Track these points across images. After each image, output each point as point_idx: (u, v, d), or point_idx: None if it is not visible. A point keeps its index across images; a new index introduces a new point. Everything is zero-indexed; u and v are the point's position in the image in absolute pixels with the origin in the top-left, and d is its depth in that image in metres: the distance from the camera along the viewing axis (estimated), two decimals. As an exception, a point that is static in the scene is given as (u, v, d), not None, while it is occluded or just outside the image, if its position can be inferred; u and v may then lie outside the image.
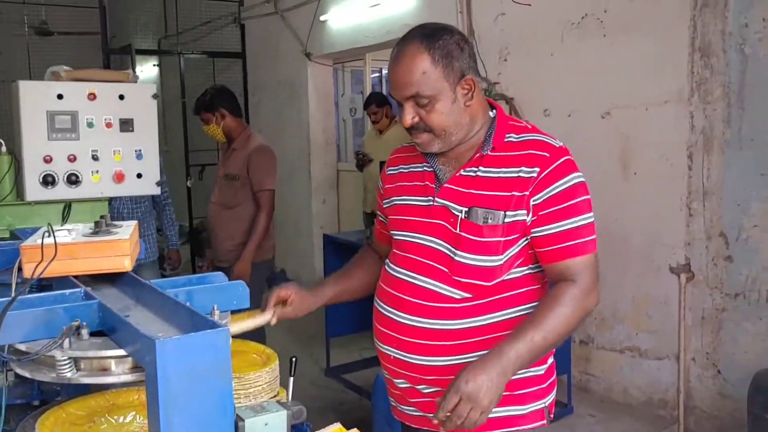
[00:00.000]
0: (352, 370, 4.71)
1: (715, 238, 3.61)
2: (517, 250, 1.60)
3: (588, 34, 4.12)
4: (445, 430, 1.45)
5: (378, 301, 1.78)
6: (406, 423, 1.81)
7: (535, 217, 1.57)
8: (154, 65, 10.02)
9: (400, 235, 1.74)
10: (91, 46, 8.58)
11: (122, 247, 1.36)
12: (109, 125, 2.81)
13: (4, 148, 2.79)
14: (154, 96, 2.92)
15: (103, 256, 1.35)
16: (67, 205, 2.51)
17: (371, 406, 3.33)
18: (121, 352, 1.07)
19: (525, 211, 1.57)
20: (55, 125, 2.71)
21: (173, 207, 4.76)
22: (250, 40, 7.84)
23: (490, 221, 1.58)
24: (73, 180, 2.70)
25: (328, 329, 4.72)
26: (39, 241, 1.31)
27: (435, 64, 1.54)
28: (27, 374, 1.10)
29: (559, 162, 1.58)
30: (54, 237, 1.31)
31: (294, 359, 1.81)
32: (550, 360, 1.74)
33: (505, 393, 1.57)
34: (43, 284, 1.52)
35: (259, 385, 1.72)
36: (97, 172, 2.78)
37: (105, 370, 1.09)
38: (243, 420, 1.49)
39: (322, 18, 6.42)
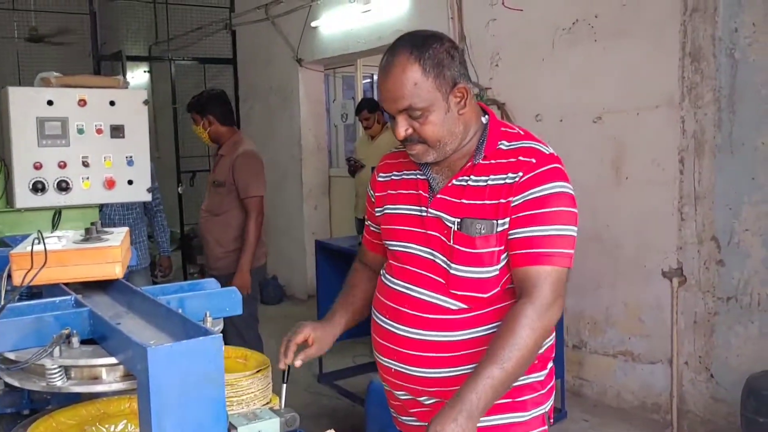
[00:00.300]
0: (345, 377, 4.68)
1: (707, 242, 3.62)
2: (507, 259, 1.57)
3: (579, 39, 4.13)
4: None
5: (376, 313, 1.75)
6: None
7: (510, 219, 1.54)
8: (144, 71, 9.99)
9: (395, 246, 1.71)
10: (82, 52, 8.55)
11: (113, 254, 1.35)
12: (99, 132, 2.79)
13: (-7, 155, 2.77)
14: (145, 102, 2.91)
15: (93, 263, 1.34)
16: (57, 212, 2.49)
17: (364, 413, 3.32)
18: (112, 360, 1.06)
19: (509, 218, 1.55)
20: (45, 131, 2.69)
21: (165, 213, 4.74)
22: (241, 46, 7.83)
23: (483, 231, 1.55)
24: (63, 187, 2.68)
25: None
26: (29, 249, 1.30)
27: (426, 75, 1.51)
28: (16, 383, 1.08)
29: (543, 168, 1.55)
30: (44, 244, 1.30)
31: (287, 366, 1.80)
32: (550, 365, 1.72)
33: (506, 400, 1.58)
34: (34, 292, 1.51)
35: (252, 392, 1.70)
36: (88, 178, 2.76)
37: (96, 379, 1.07)
38: (236, 428, 1.47)
39: (313, 24, 6.42)
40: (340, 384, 4.58)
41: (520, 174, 1.54)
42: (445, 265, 1.60)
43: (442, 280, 1.60)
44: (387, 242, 1.76)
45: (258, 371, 1.71)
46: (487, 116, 1.68)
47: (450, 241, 1.59)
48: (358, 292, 1.88)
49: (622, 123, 3.96)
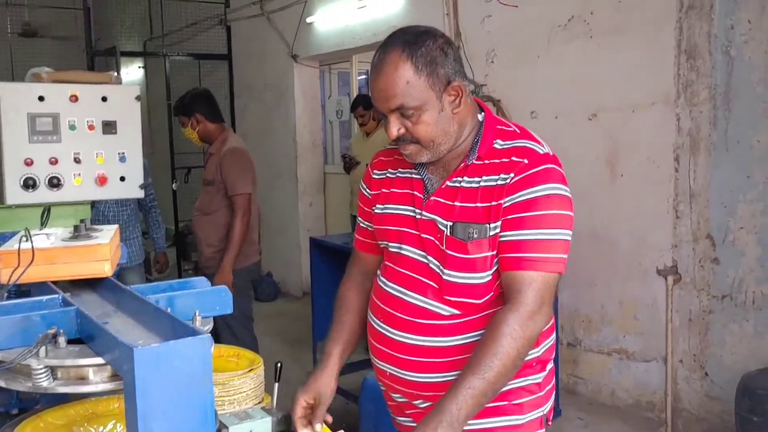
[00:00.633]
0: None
1: (702, 240, 3.62)
2: None
3: (575, 36, 4.12)
4: None
5: (372, 316, 1.72)
6: None
7: (501, 222, 1.50)
8: (139, 67, 9.95)
9: (390, 246, 1.68)
10: (76, 47, 8.51)
11: (102, 252, 1.33)
12: (91, 128, 2.77)
13: (-17, 151, 2.74)
14: (138, 98, 2.88)
15: (82, 261, 1.32)
16: (46, 209, 2.47)
17: (358, 410, 3.31)
18: (100, 360, 1.04)
19: (500, 221, 1.50)
20: (36, 128, 2.67)
21: (159, 209, 4.73)
22: (236, 42, 7.80)
23: (475, 236, 1.51)
24: (54, 183, 2.66)
25: (315, 333, 4.69)
26: (16, 246, 1.28)
27: (419, 73, 1.46)
28: (2, 384, 1.07)
29: (536, 169, 1.49)
30: (31, 242, 1.28)
31: (279, 365, 1.79)
32: (549, 366, 1.68)
33: (502, 402, 1.55)
34: (22, 290, 1.49)
35: (244, 392, 1.69)
36: (80, 175, 2.74)
37: (83, 379, 1.06)
38: (227, 427, 1.47)
39: (308, 20, 6.40)
40: (334, 381, 4.56)
41: (512, 175, 1.49)
42: (438, 270, 1.57)
43: (436, 285, 1.57)
44: (381, 242, 1.73)
45: (250, 370, 1.70)
46: (483, 114, 1.62)
47: (443, 245, 1.55)
48: (349, 313, 1.79)
49: (617, 120, 3.95)
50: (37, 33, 9.78)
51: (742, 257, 3.47)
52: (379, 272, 1.74)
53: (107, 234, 1.41)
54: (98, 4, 9.20)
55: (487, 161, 1.55)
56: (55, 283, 1.33)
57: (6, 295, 1.36)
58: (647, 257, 3.84)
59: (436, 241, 1.57)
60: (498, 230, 1.50)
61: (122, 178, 2.87)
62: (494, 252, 1.51)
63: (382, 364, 1.69)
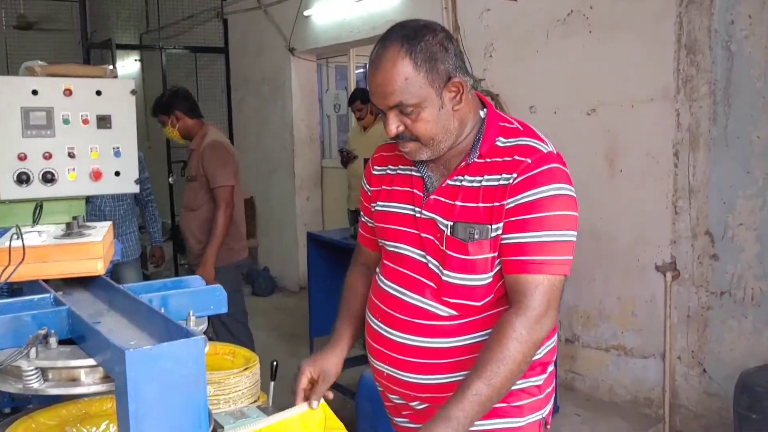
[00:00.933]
0: (336, 370, 4.66)
1: (701, 237, 3.60)
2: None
3: (574, 30, 4.09)
4: None
5: (369, 315, 1.70)
6: None
7: (504, 223, 1.46)
8: (135, 60, 9.90)
9: (389, 245, 1.65)
10: (71, 40, 8.46)
11: (94, 250, 1.31)
12: (85, 122, 2.74)
13: (-24, 146, 2.71)
14: (133, 92, 2.86)
15: (74, 260, 1.30)
16: (39, 205, 2.45)
17: (355, 407, 3.29)
18: (91, 361, 1.02)
19: (503, 222, 1.47)
20: (29, 122, 2.64)
21: (156, 204, 4.70)
22: (233, 35, 7.76)
23: (476, 237, 1.47)
24: (48, 178, 2.63)
25: (312, 329, 4.67)
26: (6, 244, 1.26)
27: (418, 69, 1.42)
28: (-9, 385, 1.04)
29: (540, 169, 1.45)
30: (22, 239, 1.26)
31: (275, 363, 1.77)
32: (550, 368, 1.65)
33: (501, 404, 1.52)
34: (14, 288, 1.47)
35: (239, 390, 1.68)
36: (74, 170, 2.72)
37: (74, 381, 1.03)
38: (222, 427, 1.45)
39: (305, 13, 6.36)
40: (331, 377, 4.55)
41: (515, 175, 1.45)
42: (437, 271, 1.54)
43: (434, 286, 1.54)
44: (380, 240, 1.70)
45: (245, 369, 1.68)
46: (485, 110, 1.58)
47: (443, 245, 1.52)
48: (357, 300, 1.78)
49: (616, 115, 3.92)
50: (32, 25, 9.72)
51: (741, 253, 3.46)
52: (378, 271, 1.71)
53: (100, 231, 1.38)
54: (94, -4, 9.16)
55: (488, 159, 1.51)
56: (47, 281, 1.31)
57: (-3, 293, 1.34)
58: (646, 253, 3.83)
59: (436, 241, 1.54)
60: (500, 231, 1.47)
61: (117, 173, 2.84)
62: (495, 254, 1.48)
63: (380, 364, 1.66)
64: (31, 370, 1.01)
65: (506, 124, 1.56)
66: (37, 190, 2.63)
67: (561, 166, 1.49)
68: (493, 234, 1.47)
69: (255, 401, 1.72)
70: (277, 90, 7.07)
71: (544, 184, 1.45)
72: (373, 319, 1.68)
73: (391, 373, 1.63)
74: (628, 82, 3.85)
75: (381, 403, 1.82)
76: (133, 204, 4.50)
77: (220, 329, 3.82)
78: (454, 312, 1.53)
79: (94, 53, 7.85)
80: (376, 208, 1.70)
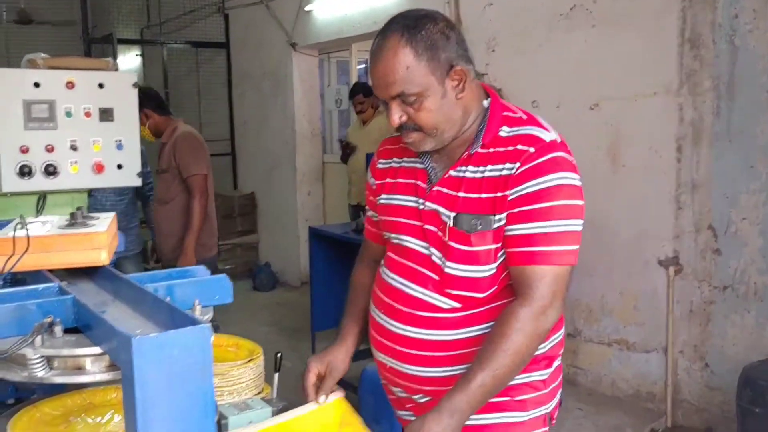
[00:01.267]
0: (338, 364, 4.65)
1: (704, 231, 3.59)
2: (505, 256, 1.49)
3: (577, 24, 4.08)
4: None
5: (373, 308, 1.69)
6: (404, 426, 1.76)
7: (507, 215, 1.45)
8: (136, 55, 9.88)
9: (393, 238, 1.65)
10: (72, 35, 8.45)
11: (99, 240, 1.30)
12: (88, 115, 2.74)
13: (-21, 138, 2.71)
14: (135, 85, 2.85)
15: (79, 250, 1.29)
16: (42, 197, 2.44)
17: (358, 401, 3.29)
18: (97, 349, 1.01)
19: (506, 213, 1.45)
20: (31, 114, 2.63)
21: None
22: (235, 30, 7.74)
23: (479, 228, 1.46)
24: (50, 171, 2.63)
25: (314, 323, 4.67)
26: (11, 234, 1.25)
27: (419, 58, 1.40)
28: (-3, 374, 1.04)
29: (543, 158, 1.43)
30: (26, 229, 1.25)
31: (279, 355, 1.76)
32: (556, 363, 1.64)
33: (504, 398, 1.51)
34: (18, 279, 1.46)
35: (243, 382, 1.67)
36: (76, 162, 2.71)
37: (79, 369, 1.03)
38: (226, 418, 1.44)
39: (307, 8, 6.34)
40: (333, 371, 4.55)
41: (518, 165, 1.44)
42: (440, 262, 1.53)
43: (437, 277, 1.53)
44: (385, 233, 1.69)
45: (249, 360, 1.68)
46: (489, 99, 1.56)
47: (445, 237, 1.51)
48: (365, 295, 1.77)
49: (619, 110, 3.91)
50: (33, 20, 9.70)
51: (744, 248, 3.45)
52: (382, 263, 1.71)
53: (104, 222, 1.38)
54: (95, -10, 9.13)
55: (491, 149, 1.50)
56: (51, 271, 1.30)
57: (1, 284, 1.33)
58: (648, 248, 3.82)
59: (439, 232, 1.53)
60: (503, 222, 1.46)
61: (119, 166, 2.84)
62: (498, 245, 1.47)
63: (383, 356, 1.66)
64: (37, 359, 1.01)
65: (510, 114, 1.55)
66: (39, 182, 2.63)
67: (565, 155, 1.48)
68: (496, 225, 1.46)
69: (259, 393, 1.71)
70: (278, 85, 7.06)
71: (547, 173, 1.43)
72: (377, 311, 1.67)
73: (394, 366, 1.63)
74: (631, 77, 3.84)
75: (383, 396, 1.82)
76: (134, 199, 4.50)
77: None
78: (456, 304, 1.52)
79: (95, 48, 7.84)
80: (381, 201, 1.69)
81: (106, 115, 2.75)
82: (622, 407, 3.93)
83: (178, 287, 1.24)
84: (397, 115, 1.48)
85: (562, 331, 1.68)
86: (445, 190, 1.53)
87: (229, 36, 7.82)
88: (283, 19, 6.71)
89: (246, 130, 7.73)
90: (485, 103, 1.56)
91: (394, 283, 1.62)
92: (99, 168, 2.74)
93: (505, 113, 1.54)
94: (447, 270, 1.52)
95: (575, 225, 1.45)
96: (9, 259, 1.21)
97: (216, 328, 1.55)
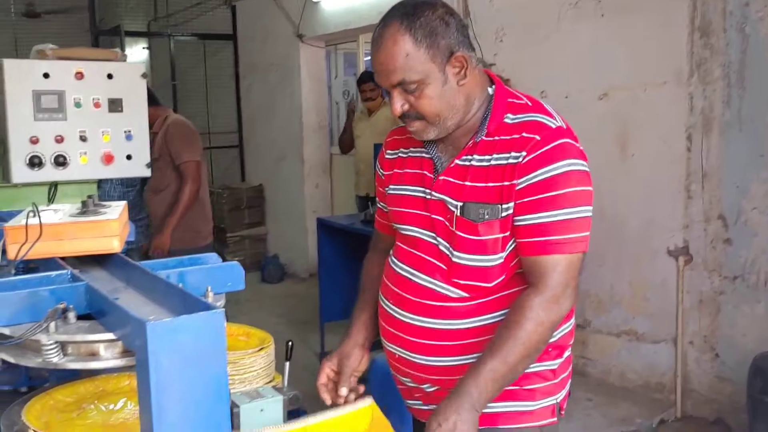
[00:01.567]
0: (347, 355, 4.66)
1: (714, 221, 3.58)
2: (514, 245, 1.49)
3: (585, 14, 4.05)
4: None
5: (382, 297, 1.69)
6: (414, 416, 1.76)
7: (515, 204, 1.44)
8: (143, 48, 9.89)
9: (401, 228, 1.65)
10: (80, 28, 8.45)
11: (111, 228, 1.30)
12: (97, 105, 2.74)
13: (-12, 130, 2.72)
14: (144, 75, 2.85)
15: (90, 237, 1.30)
16: (54, 185, 2.45)
17: (367, 392, 3.29)
18: (110, 335, 1.02)
19: (514, 203, 1.44)
20: (41, 105, 2.64)
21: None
22: (242, 21, 7.73)
23: (486, 217, 1.45)
24: (60, 162, 2.64)
25: (323, 314, 4.68)
26: (23, 222, 1.25)
27: (418, 45, 1.40)
28: (12, 360, 1.04)
29: (550, 146, 1.42)
30: (39, 217, 1.26)
31: (290, 344, 1.76)
32: (567, 353, 1.64)
33: (513, 387, 1.51)
34: (30, 267, 1.46)
35: (255, 370, 1.67)
36: (86, 153, 2.72)
37: (93, 355, 1.03)
38: (238, 406, 1.44)
39: (314, -1, 6.33)
40: (342, 363, 4.56)
41: (524, 153, 1.43)
42: (447, 252, 1.52)
43: (445, 267, 1.53)
44: (394, 224, 1.69)
45: (260, 349, 1.68)
46: (494, 86, 1.55)
47: (452, 226, 1.51)
48: (375, 286, 1.76)
49: (628, 100, 3.89)
50: (41, 13, 9.72)
51: (755, 238, 3.43)
52: (391, 253, 1.71)
53: (116, 210, 1.38)
54: (102, -17, 9.13)
55: (497, 137, 1.49)
56: (63, 259, 1.31)
57: (13, 271, 1.34)
58: (658, 238, 3.81)
59: (446, 222, 1.53)
60: (510, 211, 1.45)
61: (129, 157, 2.84)
62: (506, 234, 1.47)
63: (392, 346, 1.66)
64: (51, 344, 1.01)
65: (515, 101, 1.54)
66: (49, 173, 2.63)
67: (572, 141, 1.47)
68: (504, 214, 1.45)
69: (270, 381, 1.72)
70: (285, 77, 7.05)
71: (555, 161, 1.42)
72: (386, 301, 1.67)
73: (403, 355, 1.63)
74: (641, 66, 3.81)
75: (392, 386, 1.81)
76: (141, 192, 4.51)
77: None
78: (464, 293, 1.52)
79: (103, 41, 7.85)
80: (389, 191, 1.69)
81: (115, 105, 2.76)
82: (631, 398, 3.92)
83: (190, 274, 1.25)
84: (399, 104, 1.48)
85: (573, 320, 1.67)
86: (451, 180, 1.53)
87: (236, 28, 7.81)
88: (290, 10, 6.70)
89: (253, 123, 7.73)
90: (490, 90, 1.55)
91: (402, 272, 1.62)
92: (108, 159, 2.75)
93: (510, 100, 1.53)
94: (454, 260, 1.51)
95: (585, 211, 1.45)
96: (22, 246, 1.22)
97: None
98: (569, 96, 4.17)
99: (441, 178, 1.54)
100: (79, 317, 1.08)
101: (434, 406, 1.53)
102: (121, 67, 2.85)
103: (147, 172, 2.96)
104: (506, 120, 1.50)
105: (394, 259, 1.67)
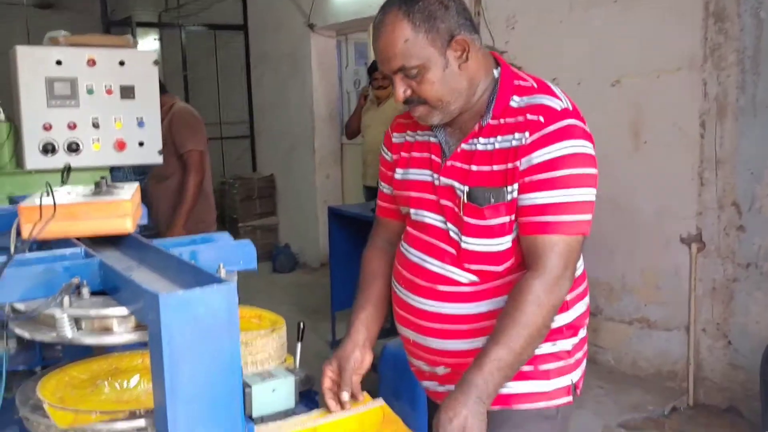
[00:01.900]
0: (358, 343, 4.68)
1: (727, 208, 3.55)
2: None
3: (597, 0, 4.02)
4: None
5: (395, 282, 1.70)
6: (429, 397, 1.77)
7: (519, 185, 1.44)
8: (155, 39, 9.92)
9: (411, 213, 1.65)
10: (91, 19, 8.48)
11: (123, 208, 1.30)
12: (109, 92, 2.76)
13: (2, 116, 2.74)
14: (156, 62, 2.87)
15: (103, 217, 1.30)
16: (67, 167, 2.46)
17: (378, 379, 3.30)
18: (124, 310, 1.02)
19: (517, 184, 1.44)
20: (54, 92, 2.66)
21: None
22: (253, 12, 7.73)
23: (492, 200, 1.45)
24: (73, 148, 2.66)
25: (334, 303, 4.69)
26: (37, 202, 1.26)
27: (417, 30, 1.41)
28: (26, 335, 1.05)
29: (553, 127, 1.42)
30: (53, 196, 1.26)
31: (302, 324, 1.77)
32: (582, 333, 1.63)
33: (528, 368, 1.51)
34: (44, 248, 1.47)
35: (267, 352, 1.68)
36: (98, 140, 2.74)
37: (107, 330, 1.04)
38: (250, 386, 1.45)
39: (325, -12, 6.32)
40: (353, 350, 4.57)
41: (526, 134, 1.43)
42: (457, 237, 1.53)
43: (454, 252, 1.54)
44: (402, 208, 1.69)
45: (272, 330, 1.68)
46: (499, 69, 1.54)
47: (460, 212, 1.51)
48: (375, 282, 1.73)
49: (641, 86, 3.87)
50: (53, 4, 9.76)
51: (769, 224, 3.41)
52: (402, 238, 1.71)
53: (129, 190, 1.38)
54: (113, -26, 9.15)
55: (502, 120, 1.48)
56: (76, 240, 1.31)
57: (27, 251, 1.35)
58: (670, 225, 3.78)
59: (455, 207, 1.53)
60: (515, 194, 1.45)
61: (141, 144, 2.86)
62: (513, 216, 1.47)
63: (405, 330, 1.67)
64: (65, 319, 1.02)
65: (521, 83, 1.53)
66: (62, 159, 2.66)
67: (577, 122, 1.46)
68: (509, 197, 1.45)
69: (282, 362, 1.72)
70: (296, 67, 7.05)
71: (556, 141, 1.42)
72: (398, 286, 1.67)
73: (417, 340, 1.63)
74: (654, 52, 3.78)
75: (403, 372, 1.82)
76: (152, 181, 4.52)
77: None
78: (474, 278, 1.52)
79: (114, 31, 7.85)
80: (397, 175, 1.69)
81: (127, 92, 2.77)
82: (643, 386, 3.91)
83: (202, 252, 1.25)
84: (402, 89, 1.48)
85: (587, 300, 1.67)
86: (458, 164, 1.53)
87: (247, 18, 7.81)
88: (301, 0, 6.69)
89: (264, 113, 7.74)
90: (495, 72, 1.54)
91: (413, 258, 1.62)
92: (120, 145, 2.77)
93: (516, 82, 1.52)
94: (464, 245, 1.51)
95: (587, 194, 1.44)
96: (35, 225, 1.22)
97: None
98: (582, 83, 4.15)
99: (449, 162, 1.54)
100: (93, 294, 1.09)
101: (449, 386, 1.54)
102: (133, 54, 2.86)
103: (159, 159, 2.98)
104: (512, 103, 1.49)
105: (405, 244, 1.67)
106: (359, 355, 1.63)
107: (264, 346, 1.66)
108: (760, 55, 3.36)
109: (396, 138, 1.73)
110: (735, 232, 3.53)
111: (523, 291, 1.41)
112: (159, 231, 4.09)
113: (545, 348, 1.53)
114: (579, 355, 1.64)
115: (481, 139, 1.49)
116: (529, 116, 1.45)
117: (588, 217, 1.45)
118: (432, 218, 1.58)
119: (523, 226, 1.46)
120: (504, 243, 1.49)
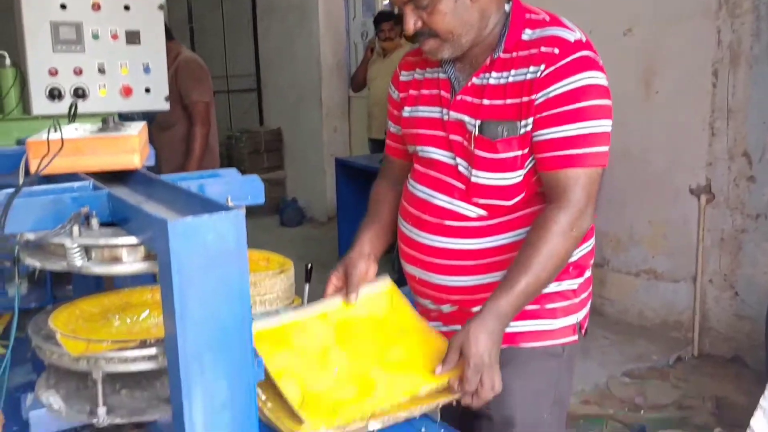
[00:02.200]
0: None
1: (738, 158, 3.52)
2: (533, 163, 1.48)
3: (611, -54, 3.94)
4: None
5: (401, 219, 1.69)
6: None
7: (534, 119, 1.42)
8: (160, -9, 9.78)
9: (419, 150, 1.64)
10: (95, -30, 8.37)
11: (131, 143, 1.30)
12: (115, 37, 2.73)
13: (8, 61, 2.72)
14: (161, 7, 2.82)
15: (111, 153, 1.30)
16: (74, 104, 2.44)
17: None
18: (133, 239, 1.02)
19: (533, 118, 1.43)
20: (59, 36, 2.63)
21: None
22: (259, -38, 7.62)
23: (505, 134, 1.44)
24: (79, 94, 2.64)
25: (341, 256, 4.71)
26: (44, 137, 1.26)
27: None
28: (37, 263, 1.06)
29: (569, 59, 1.40)
30: (60, 131, 1.26)
31: (309, 266, 1.78)
32: (587, 273, 1.64)
33: (534, 306, 1.52)
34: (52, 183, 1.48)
35: (275, 292, 1.69)
36: (104, 86, 2.72)
37: (116, 260, 1.04)
38: (259, 324, 1.47)
39: (332, -63, 6.20)
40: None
41: (542, 67, 1.41)
42: (466, 172, 1.52)
43: (463, 186, 1.53)
44: (410, 146, 1.68)
45: (281, 272, 1.69)
46: (511, 2, 1.53)
47: (471, 146, 1.50)
48: (383, 206, 1.76)
49: (653, 35, 3.80)
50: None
51: (780, 175, 3.38)
52: (409, 176, 1.70)
53: (136, 127, 1.38)
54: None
55: (514, 54, 1.47)
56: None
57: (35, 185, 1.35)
58: (680, 176, 3.76)
59: (465, 142, 1.52)
60: (529, 128, 1.44)
61: (147, 90, 2.84)
62: (525, 151, 1.46)
63: (412, 267, 1.67)
64: (75, 248, 1.02)
65: (533, 16, 1.51)
66: (68, 105, 2.63)
67: (591, 54, 1.45)
68: (522, 131, 1.44)
69: (290, 303, 1.74)
70: (303, 17, 6.96)
71: (573, 73, 1.40)
72: (405, 223, 1.67)
73: (423, 277, 1.63)
74: (667, 0, 3.71)
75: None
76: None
77: None
78: (483, 212, 1.52)
79: (119, -18, 7.76)
80: (405, 114, 1.68)
81: (132, 37, 2.74)
82: (648, 336, 3.94)
83: (210, 186, 1.25)
84: (412, 21, 1.46)
85: (593, 240, 1.67)
86: (468, 99, 1.51)
87: (253, -32, 7.70)
88: (308, -51, 6.58)
89: (271, 65, 7.67)
90: (507, 7, 1.52)
91: (420, 194, 1.62)
92: (127, 91, 2.75)
93: (528, 15, 1.51)
94: (473, 179, 1.51)
95: (605, 125, 1.44)
96: (42, 159, 1.22)
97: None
98: (593, 31, 4.01)
99: (459, 97, 1.53)
100: (102, 225, 1.09)
101: (454, 327, 1.55)
102: (138, -3, 2.80)
103: (166, 106, 2.96)
104: (524, 36, 1.48)
105: (412, 181, 1.67)
106: (364, 266, 1.63)
107: (272, 287, 1.67)
108: (776, 2, 3.30)
109: (404, 76, 1.71)
110: (745, 182, 3.51)
111: (548, 223, 1.40)
112: None
113: (551, 287, 1.53)
114: (584, 295, 1.65)
115: (494, 74, 1.48)
116: (543, 49, 1.43)
117: (606, 148, 1.45)
118: (440, 154, 1.58)
119: (544, 162, 1.45)
120: (515, 177, 1.48)
